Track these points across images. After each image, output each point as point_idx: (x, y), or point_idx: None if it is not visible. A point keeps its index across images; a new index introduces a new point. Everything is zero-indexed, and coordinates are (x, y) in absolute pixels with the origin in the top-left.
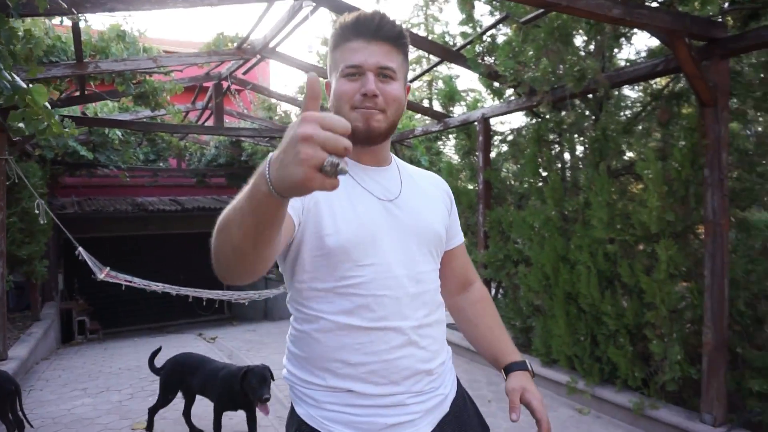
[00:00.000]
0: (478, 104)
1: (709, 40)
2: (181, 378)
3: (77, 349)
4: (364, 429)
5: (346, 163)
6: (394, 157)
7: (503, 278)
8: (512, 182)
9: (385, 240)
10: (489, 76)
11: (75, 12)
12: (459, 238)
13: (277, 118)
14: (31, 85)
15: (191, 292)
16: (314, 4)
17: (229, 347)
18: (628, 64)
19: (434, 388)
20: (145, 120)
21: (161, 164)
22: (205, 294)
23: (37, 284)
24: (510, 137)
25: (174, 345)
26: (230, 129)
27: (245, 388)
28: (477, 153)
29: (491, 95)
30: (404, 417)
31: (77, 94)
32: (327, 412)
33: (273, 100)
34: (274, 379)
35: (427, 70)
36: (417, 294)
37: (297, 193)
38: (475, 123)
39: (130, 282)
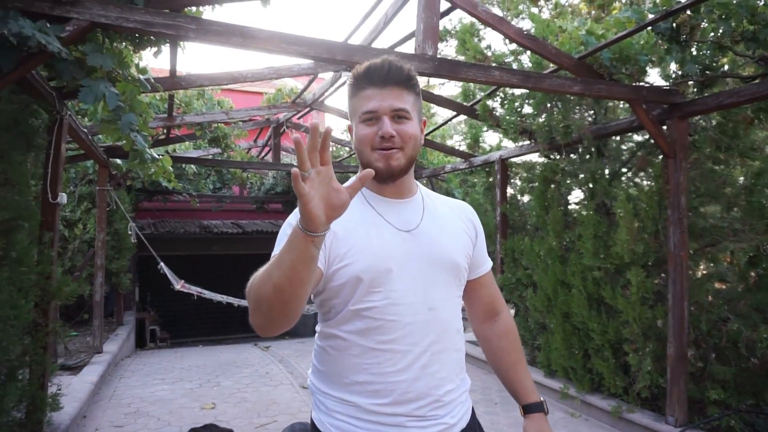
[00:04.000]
0: (500, 147)
1: (670, 104)
2: None
3: (151, 353)
4: None
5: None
6: (420, 188)
7: (516, 299)
8: (527, 215)
9: (399, 269)
10: (498, 127)
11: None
12: (485, 268)
13: (333, 156)
14: (161, 156)
15: None
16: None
17: (281, 354)
18: (612, 119)
19: (438, 415)
20: (214, 157)
21: (225, 191)
22: None
23: (121, 294)
24: (525, 175)
25: (234, 351)
26: (286, 165)
27: None
28: (496, 189)
29: (509, 139)
30: None
31: (163, 137)
32: (334, 420)
33: None
34: None
35: (444, 123)
36: (429, 321)
37: (336, 214)
38: (494, 163)
39: (201, 293)
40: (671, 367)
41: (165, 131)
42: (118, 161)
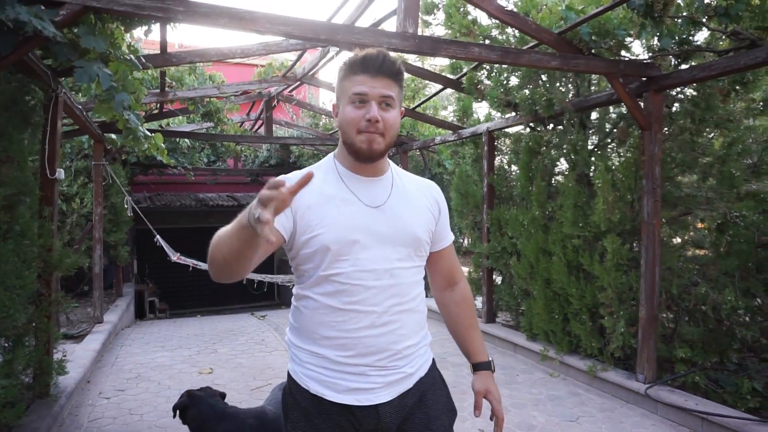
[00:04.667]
0: (490, 118)
1: (648, 78)
2: None
3: (151, 323)
4: (331, 388)
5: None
6: (392, 167)
7: (501, 267)
8: (514, 186)
9: (365, 240)
10: (483, 99)
11: (173, 63)
12: (446, 242)
13: (320, 126)
14: (153, 134)
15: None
16: (338, 49)
17: (276, 323)
18: (595, 92)
19: (398, 366)
20: (208, 131)
21: (220, 164)
22: (257, 277)
23: (120, 266)
24: (513, 146)
25: (231, 320)
26: (279, 138)
27: None
28: (483, 161)
29: (496, 111)
30: (365, 384)
31: (156, 112)
32: (306, 369)
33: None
34: None
35: (432, 96)
36: (390, 286)
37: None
38: (482, 135)
39: (196, 265)
40: (642, 329)
41: (158, 106)
42: (113, 136)
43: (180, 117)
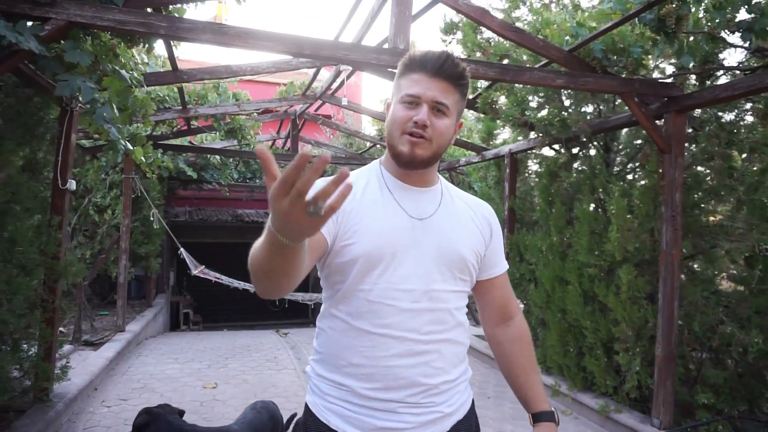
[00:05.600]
0: (516, 140)
1: (668, 98)
2: None
3: (176, 334)
4: (355, 425)
5: (319, 205)
6: (442, 181)
7: (520, 295)
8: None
9: (404, 254)
10: (498, 120)
11: (184, 80)
12: (499, 269)
13: (354, 147)
14: (133, 148)
15: None
16: (350, 68)
17: (295, 341)
18: (619, 113)
19: (434, 403)
20: (241, 148)
21: (257, 181)
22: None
23: (151, 277)
24: (537, 169)
25: (252, 336)
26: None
27: None
28: (504, 183)
29: (515, 133)
30: (394, 423)
31: (185, 128)
32: (328, 402)
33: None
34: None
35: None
36: (428, 310)
37: (306, 236)
38: (504, 157)
39: (219, 279)
40: (659, 368)
41: (186, 122)
42: (160, 151)
43: (213, 134)
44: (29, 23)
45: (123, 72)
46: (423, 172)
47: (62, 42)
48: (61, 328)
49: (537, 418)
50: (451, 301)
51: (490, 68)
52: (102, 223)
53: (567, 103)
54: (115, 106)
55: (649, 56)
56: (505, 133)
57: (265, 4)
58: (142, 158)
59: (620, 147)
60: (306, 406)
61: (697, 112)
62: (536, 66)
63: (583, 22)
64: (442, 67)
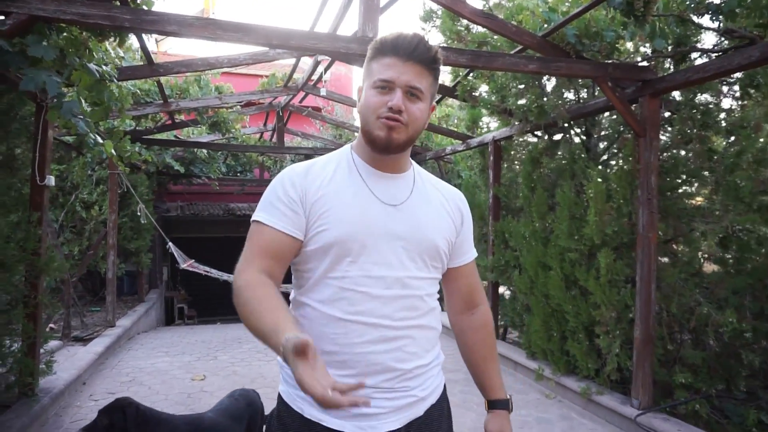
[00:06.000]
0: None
1: (642, 81)
2: None
3: (168, 329)
4: (328, 412)
5: None
6: (415, 167)
7: (505, 281)
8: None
9: (376, 241)
10: (477, 107)
11: (161, 73)
12: (468, 257)
13: (343, 138)
14: (103, 141)
15: None
16: (329, 58)
17: None
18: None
19: (408, 387)
20: (229, 141)
21: (248, 175)
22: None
23: (143, 273)
24: (520, 156)
25: (244, 329)
26: (289, 148)
27: None
28: (489, 170)
29: (490, 118)
30: (369, 409)
31: (169, 122)
32: (299, 390)
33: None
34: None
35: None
36: (400, 297)
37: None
38: (488, 144)
39: (208, 272)
40: (637, 350)
41: (170, 116)
42: (138, 145)
43: (200, 128)
44: None
45: (92, 66)
46: (396, 158)
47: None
48: (51, 325)
49: (492, 405)
50: (423, 287)
51: (461, 55)
52: (89, 219)
53: (549, 89)
54: (87, 101)
55: (623, 40)
56: (494, 122)
57: None
58: (113, 151)
59: (602, 132)
60: (279, 396)
61: (676, 95)
62: (512, 52)
63: (555, 6)
64: (415, 51)
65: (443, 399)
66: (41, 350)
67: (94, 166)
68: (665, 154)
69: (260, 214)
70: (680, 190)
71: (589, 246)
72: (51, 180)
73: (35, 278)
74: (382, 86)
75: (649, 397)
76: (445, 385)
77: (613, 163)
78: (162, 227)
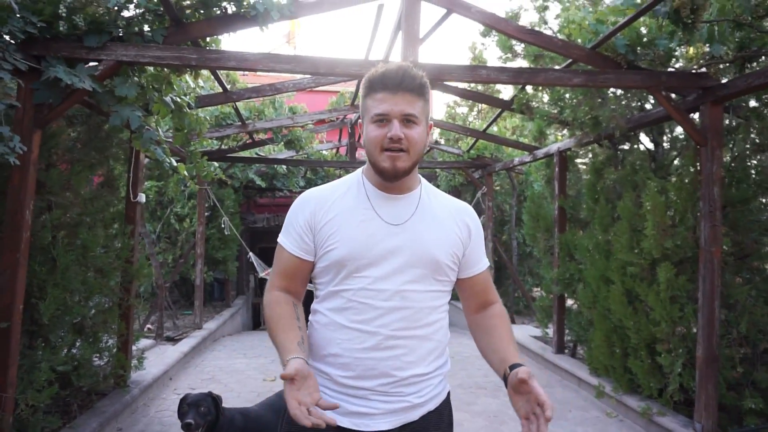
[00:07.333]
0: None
1: (703, 88)
2: None
3: (253, 333)
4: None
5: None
6: (424, 185)
7: (570, 295)
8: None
9: (379, 258)
10: (533, 119)
11: (234, 99)
12: (478, 268)
13: None
14: (177, 164)
15: None
16: None
17: None
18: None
19: (402, 393)
20: (308, 157)
21: None
22: None
23: (229, 280)
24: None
25: None
26: (361, 162)
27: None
28: (554, 182)
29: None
30: (365, 409)
31: (249, 141)
32: None
33: None
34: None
35: (495, 119)
36: (399, 308)
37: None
38: (554, 155)
39: None
40: (700, 371)
41: (250, 136)
42: (215, 164)
43: (279, 145)
44: (87, 65)
45: (169, 98)
46: (402, 180)
47: (114, 78)
48: (149, 325)
49: (514, 366)
50: (424, 300)
51: (502, 72)
52: (182, 230)
53: (610, 99)
54: (169, 128)
55: (678, 47)
56: (561, 133)
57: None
58: (185, 172)
59: (667, 142)
60: None
61: (751, 102)
62: (559, 67)
63: (603, 18)
64: (403, 82)
65: (444, 407)
66: (133, 347)
67: (186, 183)
68: (732, 164)
69: (281, 236)
70: (753, 203)
71: (649, 260)
72: (142, 197)
73: (128, 283)
74: (380, 119)
75: (713, 422)
76: (449, 393)
77: (680, 173)
78: (249, 238)
